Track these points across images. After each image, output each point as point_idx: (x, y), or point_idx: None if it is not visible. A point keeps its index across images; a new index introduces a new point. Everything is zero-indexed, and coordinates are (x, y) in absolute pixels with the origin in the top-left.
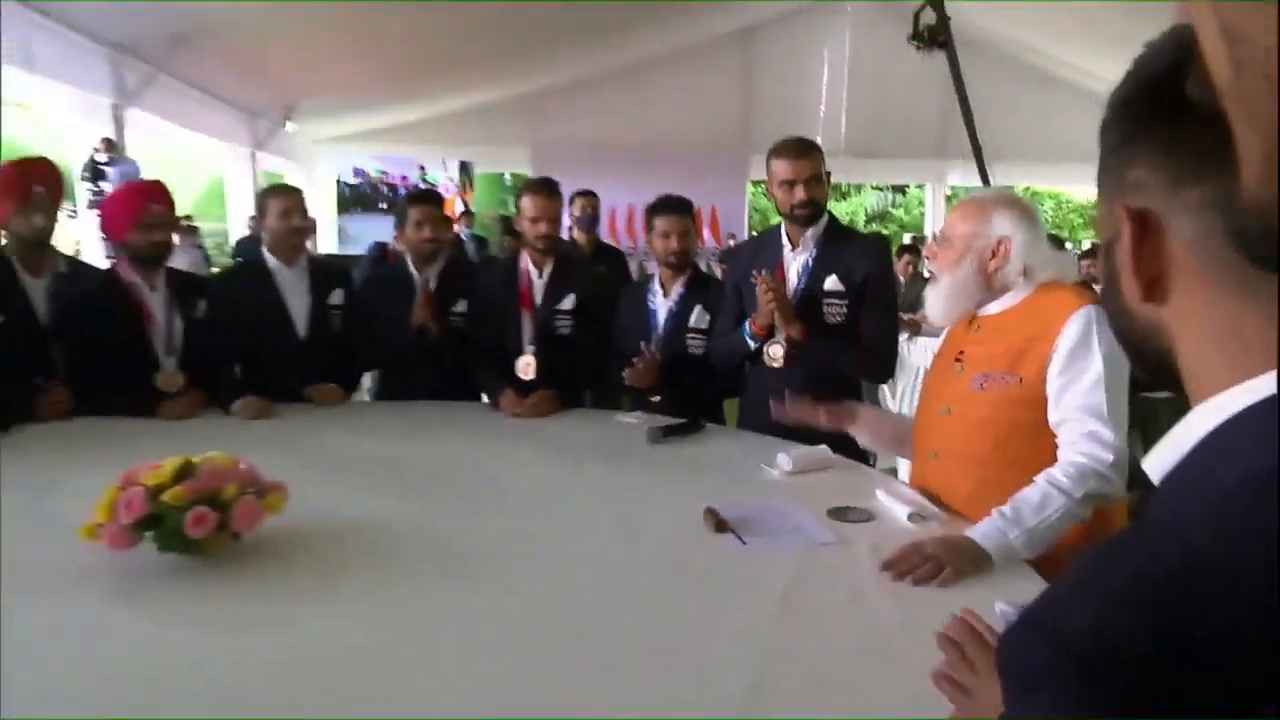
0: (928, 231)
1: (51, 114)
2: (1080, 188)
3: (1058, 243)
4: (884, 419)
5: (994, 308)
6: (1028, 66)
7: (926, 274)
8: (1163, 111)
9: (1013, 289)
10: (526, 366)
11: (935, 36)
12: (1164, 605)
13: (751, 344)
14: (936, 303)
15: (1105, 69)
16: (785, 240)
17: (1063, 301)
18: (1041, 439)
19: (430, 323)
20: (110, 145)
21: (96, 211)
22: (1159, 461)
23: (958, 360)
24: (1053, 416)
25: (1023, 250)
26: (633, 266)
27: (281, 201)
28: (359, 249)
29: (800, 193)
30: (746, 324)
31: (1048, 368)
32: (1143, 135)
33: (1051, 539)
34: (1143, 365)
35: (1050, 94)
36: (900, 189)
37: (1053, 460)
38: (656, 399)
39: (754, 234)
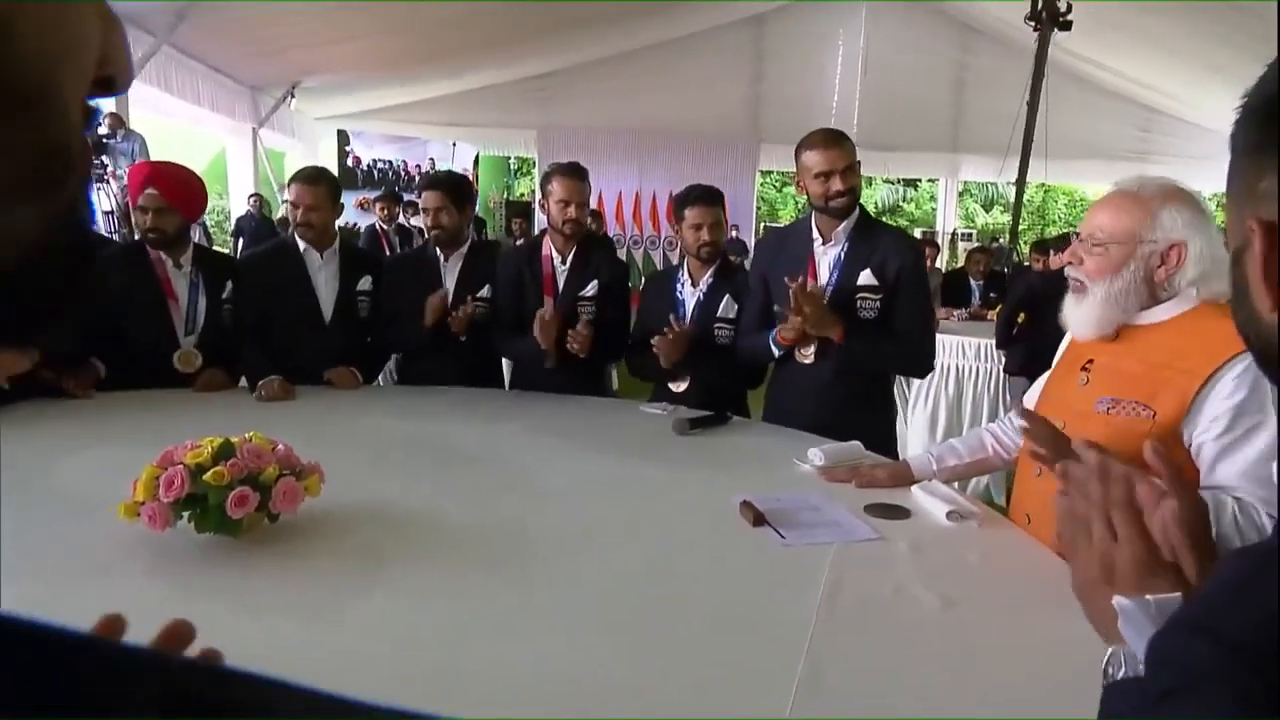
0: (939, 225)
1: None
2: (1092, 185)
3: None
4: (945, 455)
5: (1142, 317)
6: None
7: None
8: None
9: (1175, 299)
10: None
11: (1059, 17)
12: None
13: (776, 352)
14: (1083, 316)
15: (1120, 63)
16: (816, 233)
17: (1229, 334)
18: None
19: (451, 319)
20: (118, 121)
21: (100, 186)
22: None
23: (1084, 369)
24: (1207, 479)
25: (1200, 258)
26: (638, 255)
27: (291, 192)
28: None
29: (838, 183)
30: (773, 334)
31: (1191, 410)
32: (1274, 144)
33: None
34: (1274, 373)
35: (1064, 89)
36: (912, 183)
37: None
38: (682, 388)
39: (763, 225)
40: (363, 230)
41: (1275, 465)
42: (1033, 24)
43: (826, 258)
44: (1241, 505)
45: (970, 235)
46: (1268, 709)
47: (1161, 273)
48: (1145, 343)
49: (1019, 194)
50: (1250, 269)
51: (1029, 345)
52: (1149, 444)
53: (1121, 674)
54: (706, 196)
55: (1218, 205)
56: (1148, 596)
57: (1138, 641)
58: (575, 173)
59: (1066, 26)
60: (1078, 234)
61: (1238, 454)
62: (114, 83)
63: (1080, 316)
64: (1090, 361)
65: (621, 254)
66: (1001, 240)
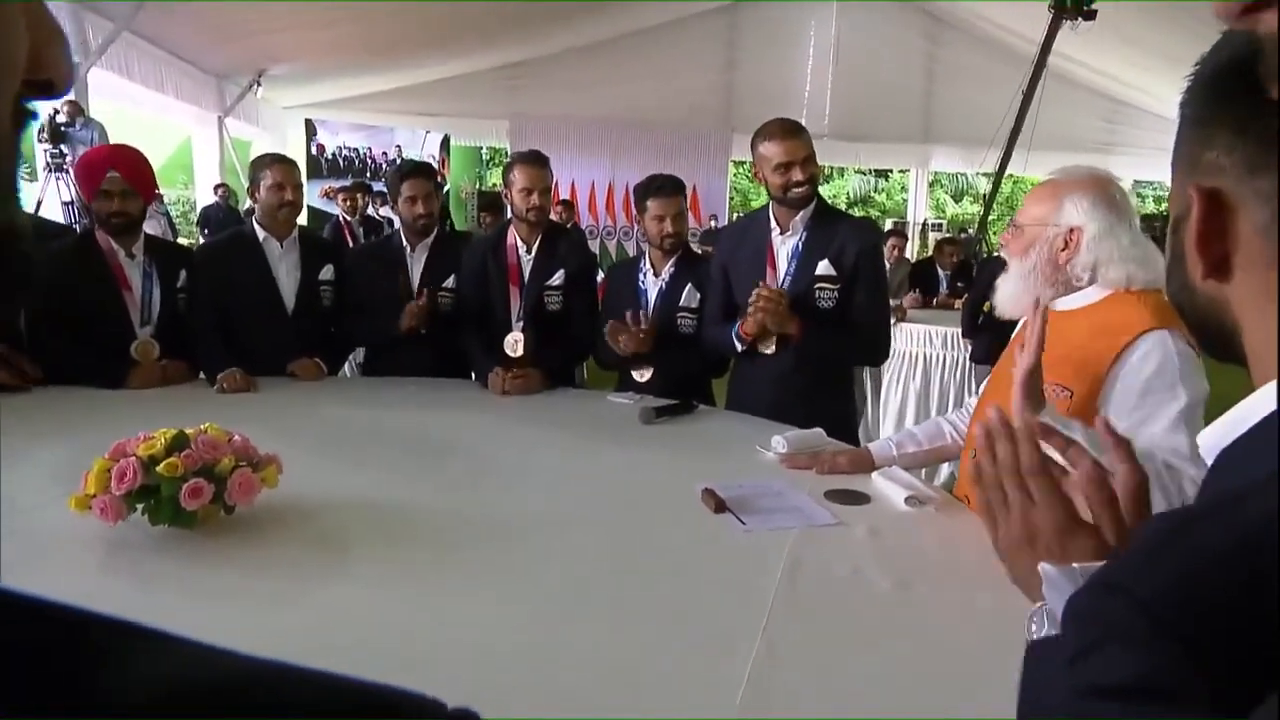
0: (910, 216)
1: None
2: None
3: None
4: (904, 441)
5: (1063, 304)
6: (1010, 50)
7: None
8: (1242, 94)
9: (1084, 286)
10: (515, 343)
11: (1083, 5)
12: (1248, 561)
13: (739, 346)
14: (1003, 292)
15: (1086, 55)
16: (774, 224)
17: (1133, 317)
18: None
19: (405, 314)
20: (77, 108)
21: (57, 175)
22: (1216, 437)
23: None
24: None
25: (1092, 244)
26: (611, 246)
27: (274, 173)
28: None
29: (797, 174)
30: (736, 327)
31: (1103, 390)
32: (1221, 116)
33: None
34: (1204, 340)
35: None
36: (883, 173)
37: None
38: (646, 376)
39: (737, 215)
40: (327, 225)
41: (1183, 437)
42: (1054, 9)
43: (785, 248)
44: (1169, 466)
45: (940, 226)
46: (1174, 668)
47: (1063, 256)
48: (1065, 328)
49: (996, 184)
50: (1187, 237)
51: (994, 334)
52: (1100, 417)
53: (1043, 633)
54: (669, 187)
55: None
56: (1074, 565)
57: (1060, 605)
58: (537, 160)
59: (1091, 15)
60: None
61: (1145, 429)
62: (52, 86)
63: (1000, 294)
64: (1023, 347)
65: (594, 245)
66: (970, 230)
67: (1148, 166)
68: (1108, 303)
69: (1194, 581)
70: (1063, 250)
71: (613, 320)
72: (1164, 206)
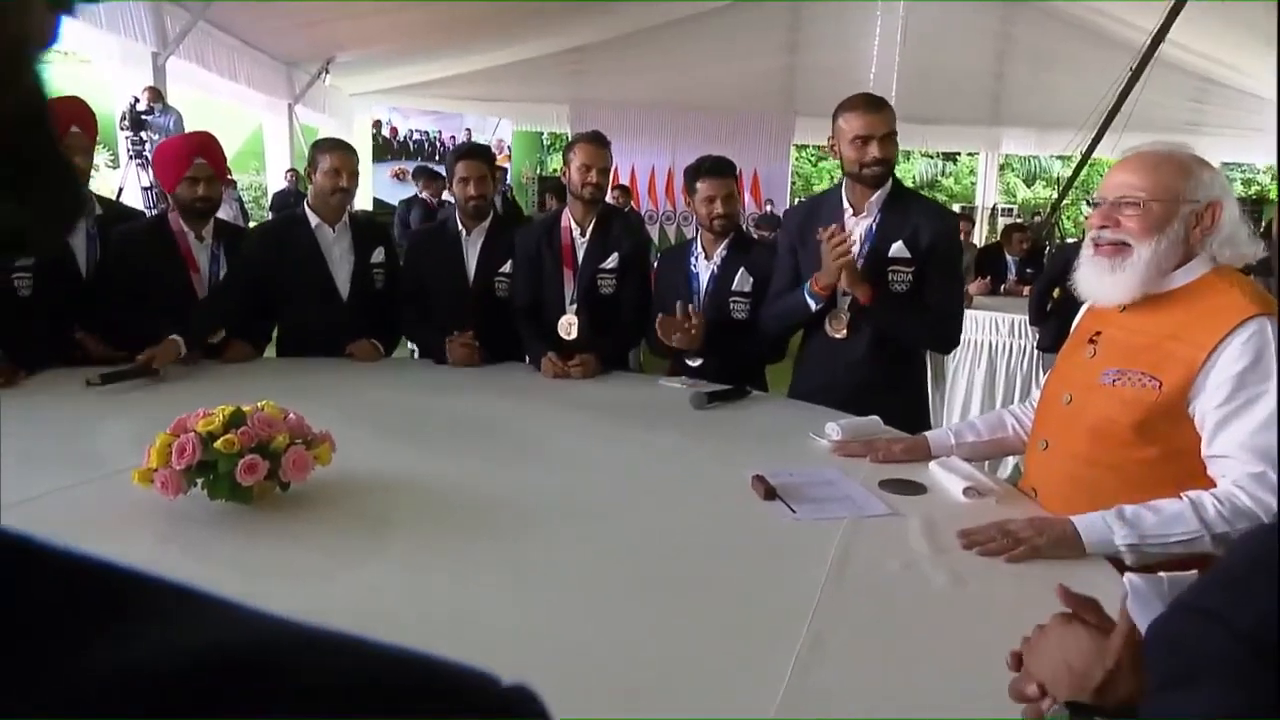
0: (978, 201)
1: (93, 62)
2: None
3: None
4: (964, 431)
5: (1152, 287)
6: (1086, 27)
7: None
8: None
9: (1184, 268)
10: (569, 326)
11: None
12: None
13: (813, 304)
14: (1125, 279)
15: (1177, 33)
16: (846, 204)
17: (1233, 303)
18: (1172, 456)
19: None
20: (156, 95)
21: (137, 161)
22: None
23: (1091, 341)
24: (1208, 449)
25: (1232, 220)
26: (670, 231)
27: (332, 159)
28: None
29: (875, 150)
30: (808, 284)
31: (1197, 380)
32: None
33: (1160, 558)
34: None
35: (1115, 58)
36: (951, 157)
37: (1181, 481)
38: (698, 362)
39: (799, 199)
40: (403, 204)
41: (1274, 434)
42: None
43: (859, 229)
44: (1220, 498)
45: (1011, 210)
46: (1275, 701)
47: (1198, 233)
48: (1152, 314)
49: (1080, 167)
50: None
51: (1063, 321)
52: (1060, 585)
53: None
54: (718, 168)
55: (1272, 178)
56: (1160, 574)
57: (1144, 620)
58: (597, 139)
59: None
60: (1094, 201)
61: (1236, 423)
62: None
63: (1118, 281)
64: (1098, 334)
65: (653, 230)
66: (1040, 214)
67: (1238, 147)
68: (1203, 286)
69: None
70: (1195, 227)
71: (663, 315)
72: (1254, 190)
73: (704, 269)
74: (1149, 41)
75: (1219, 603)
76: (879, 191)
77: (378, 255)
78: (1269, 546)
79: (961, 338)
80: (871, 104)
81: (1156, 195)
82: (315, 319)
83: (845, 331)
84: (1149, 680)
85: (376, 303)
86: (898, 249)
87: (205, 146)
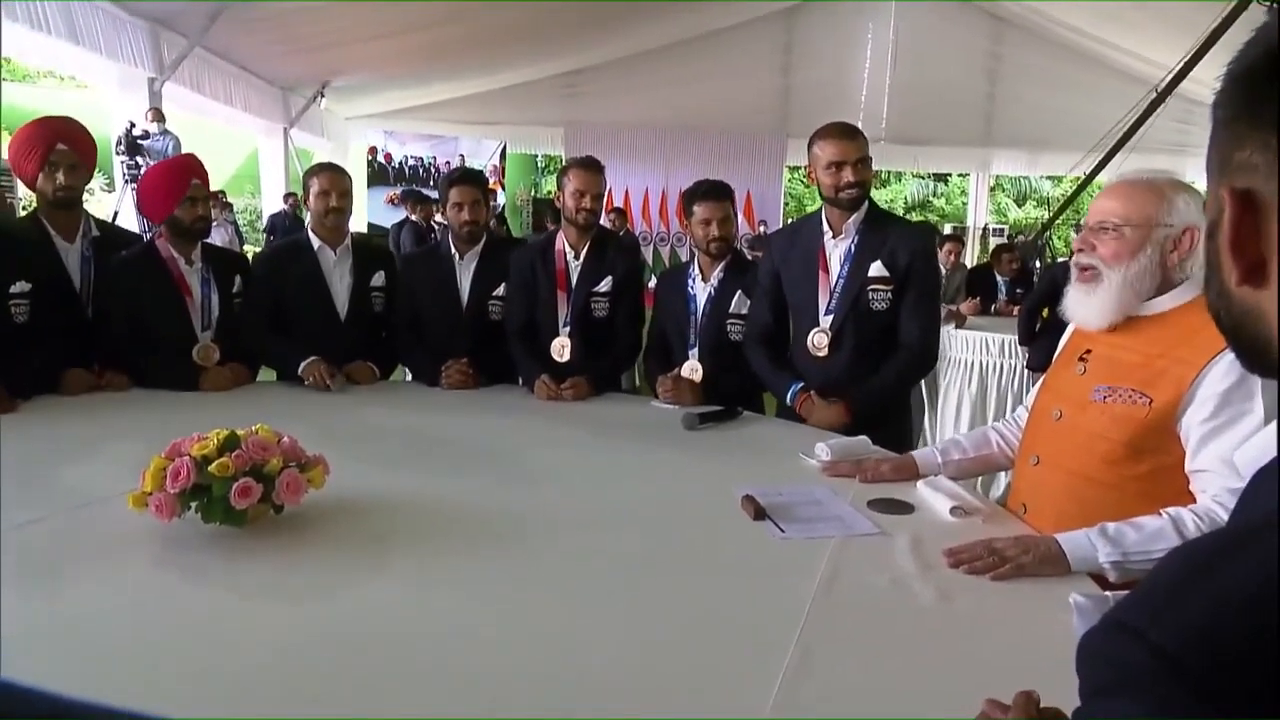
0: (970, 221)
1: (91, 87)
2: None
3: None
4: (950, 449)
5: (1148, 307)
6: (1076, 49)
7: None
8: (1276, 89)
9: (1173, 291)
10: (562, 349)
11: None
12: (1273, 607)
13: (790, 402)
14: (1099, 303)
15: (1155, 52)
16: (826, 227)
17: None
18: (1162, 472)
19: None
20: (159, 115)
21: (133, 186)
22: (1253, 455)
23: (1081, 360)
24: (1190, 464)
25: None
26: (664, 252)
27: (321, 180)
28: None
29: (849, 174)
30: (794, 389)
31: (1185, 397)
32: (1253, 113)
33: (1143, 574)
34: (1240, 351)
35: (1105, 80)
36: (942, 177)
37: (1171, 496)
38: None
39: (789, 220)
40: (395, 227)
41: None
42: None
43: (837, 250)
44: (1200, 514)
45: (1002, 231)
46: (1197, 712)
47: (1174, 258)
48: (1143, 333)
49: (1080, 189)
50: (1221, 242)
51: (1052, 341)
52: (986, 701)
53: None
54: (715, 191)
55: None
56: (1106, 593)
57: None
58: (591, 165)
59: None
60: (1079, 226)
61: (1219, 439)
62: None
63: (1092, 305)
64: (1088, 352)
65: (647, 252)
66: (1025, 235)
67: None
68: (1194, 308)
69: (1216, 627)
70: (1173, 251)
71: (662, 377)
72: None
73: (701, 291)
74: (1178, 68)
75: (1137, 617)
76: (855, 214)
77: (378, 279)
78: (1192, 563)
79: (952, 357)
80: (844, 131)
81: (1130, 220)
82: (314, 339)
83: (826, 350)
84: (1079, 689)
85: (375, 324)
86: (876, 269)
87: (197, 167)
